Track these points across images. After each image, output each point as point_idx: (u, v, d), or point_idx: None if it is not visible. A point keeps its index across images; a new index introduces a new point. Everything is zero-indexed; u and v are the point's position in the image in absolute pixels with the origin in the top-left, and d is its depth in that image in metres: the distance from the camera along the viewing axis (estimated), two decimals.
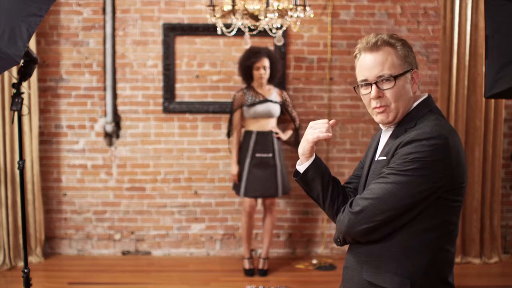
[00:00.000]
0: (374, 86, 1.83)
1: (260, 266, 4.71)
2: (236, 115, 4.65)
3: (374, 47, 1.85)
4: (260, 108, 4.58)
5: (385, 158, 1.84)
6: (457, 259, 4.98)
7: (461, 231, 5.01)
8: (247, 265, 4.70)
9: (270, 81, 4.64)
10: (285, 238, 5.17)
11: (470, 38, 4.84)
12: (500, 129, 4.97)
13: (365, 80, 1.86)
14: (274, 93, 4.64)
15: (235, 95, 4.65)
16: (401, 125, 1.87)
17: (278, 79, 4.76)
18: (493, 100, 4.84)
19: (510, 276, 4.78)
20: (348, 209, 1.82)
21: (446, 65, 4.88)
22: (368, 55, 1.85)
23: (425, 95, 1.92)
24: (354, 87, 1.92)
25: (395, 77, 1.82)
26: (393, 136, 1.87)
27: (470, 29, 4.84)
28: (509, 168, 5.20)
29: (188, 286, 4.44)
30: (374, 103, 1.86)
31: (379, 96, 1.84)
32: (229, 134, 4.76)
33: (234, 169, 4.63)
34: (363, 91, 1.88)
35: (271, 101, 4.59)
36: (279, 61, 4.74)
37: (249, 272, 4.67)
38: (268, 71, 4.58)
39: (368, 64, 1.85)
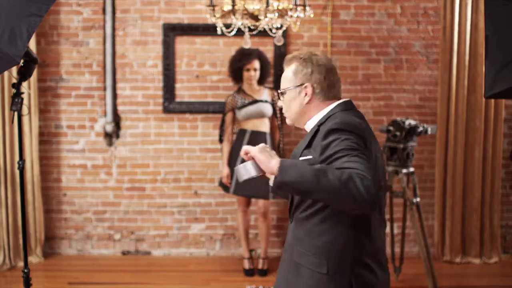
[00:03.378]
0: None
1: (260, 266, 4.71)
2: (227, 118, 4.67)
3: (286, 61, 2.12)
4: (251, 109, 4.58)
5: (310, 157, 1.93)
6: (457, 259, 4.99)
7: (461, 231, 5.01)
8: (247, 265, 4.71)
9: (261, 82, 4.66)
10: (285, 238, 5.17)
11: (470, 38, 4.85)
12: (500, 129, 4.97)
13: None
14: (265, 93, 4.65)
15: (226, 100, 4.67)
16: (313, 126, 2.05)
17: (268, 80, 4.81)
18: (493, 100, 4.85)
19: (510, 276, 4.78)
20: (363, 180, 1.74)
21: (446, 65, 4.88)
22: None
23: (337, 102, 2.06)
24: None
25: (282, 92, 2.09)
26: (308, 134, 2.03)
27: (470, 29, 4.84)
28: (509, 168, 5.20)
29: (188, 286, 4.44)
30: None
31: (281, 105, 2.13)
32: (221, 139, 4.77)
33: (225, 171, 4.64)
34: None
35: (261, 100, 4.60)
36: (270, 62, 4.78)
37: (249, 272, 4.67)
38: (258, 73, 4.60)
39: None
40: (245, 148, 1.93)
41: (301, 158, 1.97)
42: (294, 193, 1.93)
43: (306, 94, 2.04)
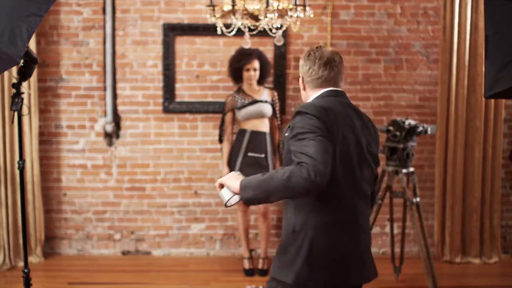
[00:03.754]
0: None
1: (260, 266, 4.71)
2: (227, 118, 4.67)
3: None
4: (250, 109, 4.58)
5: (287, 134, 2.27)
6: (457, 259, 4.99)
7: (460, 231, 5.01)
8: (247, 265, 4.71)
9: (260, 82, 4.66)
10: None
11: (470, 38, 4.85)
12: (500, 129, 4.97)
13: None
14: (265, 93, 4.65)
15: (226, 100, 4.67)
16: None
17: (267, 80, 4.82)
18: (493, 100, 4.85)
19: (510, 276, 4.79)
20: (300, 166, 2.07)
21: (446, 65, 4.88)
22: None
23: (324, 90, 2.37)
24: None
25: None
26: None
27: (470, 29, 4.84)
28: (509, 168, 5.20)
29: (188, 286, 4.44)
30: None
31: None
32: (221, 139, 4.76)
33: (225, 171, 4.64)
34: None
35: (260, 101, 4.60)
36: (269, 62, 4.78)
37: (249, 272, 4.67)
38: (258, 73, 4.60)
39: None
40: (218, 181, 2.27)
41: (285, 134, 2.30)
42: (258, 203, 2.18)
43: (301, 84, 2.44)
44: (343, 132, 2.22)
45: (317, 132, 2.14)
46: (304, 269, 2.20)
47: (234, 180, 2.20)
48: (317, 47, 2.38)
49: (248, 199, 2.14)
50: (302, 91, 2.46)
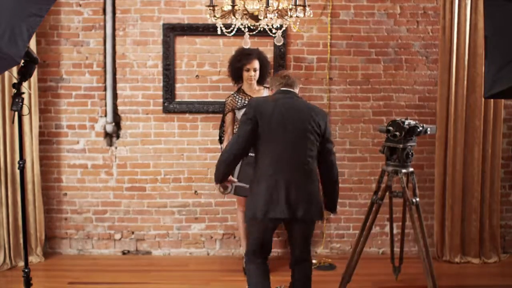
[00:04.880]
0: None
1: None
2: (227, 119, 4.67)
3: None
4: None
5: None
6: (456, 259, 5.00)
7: (460, 231, 5.02)
8: None
9: (260, 82, 4.67)
10: (285, 238, 5.17)
11: (469, 38, 4.85)
12: (499, 129, 4.98)
13: None
14: (265, 93, 4.66)
15: (226, 101, 4.67)
16: None
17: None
18: (492, 100, 4.85)
19: (509, 276, 4.79)
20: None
21: (445, 65, 4.89)
22: None
23: (276, 89, 3.55)
24: None
25: None
26: None
27: (469, 29, 4.84)
28: (508, 168, 5.21)
29: (188, 286, 4.44)
30: None
31: None
32: (221, 139, 4.77)
33: None
34: None
35: None
36: (269, 62, 4.79)
37: None
38: (257, 73, 4.60)
39: None
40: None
41: None
42: (221, 179, 3.48)
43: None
44: (270, 116, 3.31)
45: (246, 117, 3.34)
46: (250, 203, 3.41)
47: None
48: (281, 71, 3.67)
49: (216, 180, 3.48)
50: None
